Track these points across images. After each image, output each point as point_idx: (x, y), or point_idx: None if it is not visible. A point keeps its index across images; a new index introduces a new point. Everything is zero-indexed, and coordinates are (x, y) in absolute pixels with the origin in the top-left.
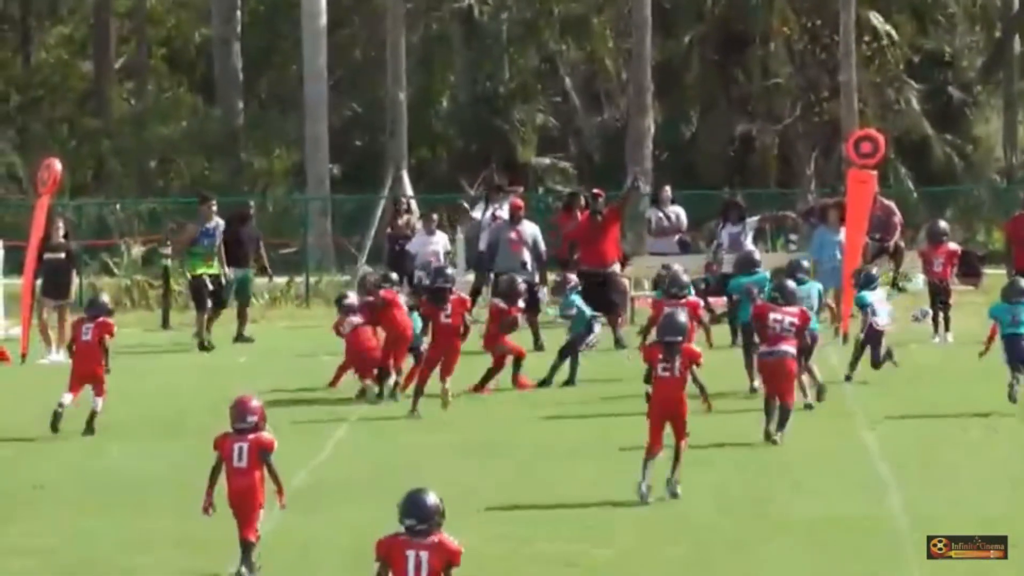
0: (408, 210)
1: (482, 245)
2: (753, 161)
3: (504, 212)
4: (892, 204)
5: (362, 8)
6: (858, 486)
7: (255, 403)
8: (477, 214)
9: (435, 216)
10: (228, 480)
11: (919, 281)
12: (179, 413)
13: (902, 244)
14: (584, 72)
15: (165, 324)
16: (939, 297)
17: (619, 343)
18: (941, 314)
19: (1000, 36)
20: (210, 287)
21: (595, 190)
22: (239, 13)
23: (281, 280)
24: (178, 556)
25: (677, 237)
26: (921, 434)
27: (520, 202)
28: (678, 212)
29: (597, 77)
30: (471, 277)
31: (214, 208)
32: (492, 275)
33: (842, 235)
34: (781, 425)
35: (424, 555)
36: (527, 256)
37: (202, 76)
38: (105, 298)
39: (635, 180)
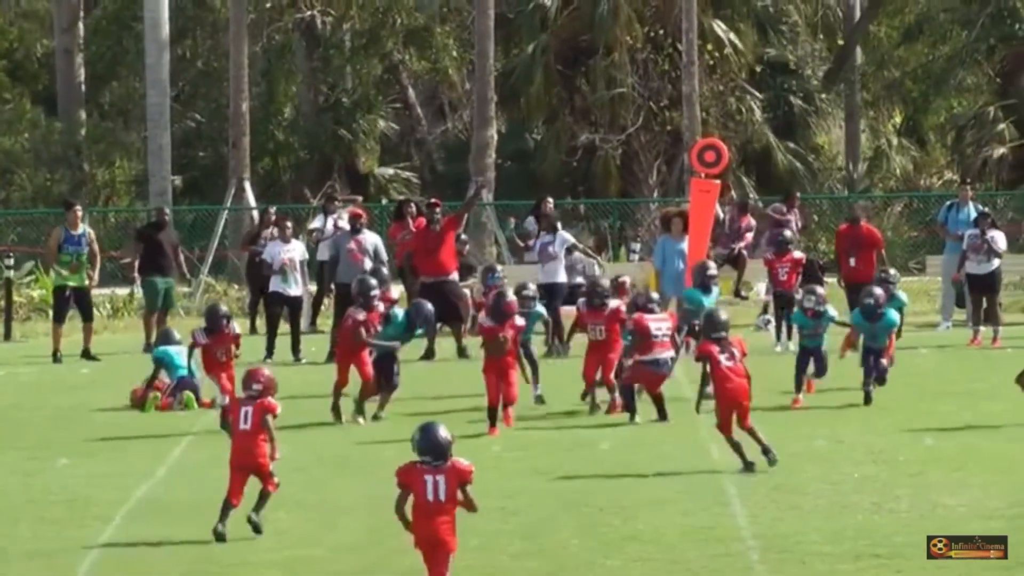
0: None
1: (323, 255)
2: (597, 170)
3: (344, 222)
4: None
5: (205, 19)
6: (704, 498)
7: (265, 373)
8: (316, 223)
9: (289, 224)
10: (232, 441)
11: (761, 289)
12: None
13: (745, 253)
14: (427, 82)
15: (7, 336)
16: (783, 306)
17: (463, 353)
18: (784, 322)
19: (841, 45)
20: (72, 299)
21: (432, 200)
22: (81, 24)
23: (123, 291)
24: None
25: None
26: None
27: (360, 211)
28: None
29: (440, 87)
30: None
31: (79, 214)
32: (333, 286)
33: (685, 244)
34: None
35: (440, 478)
36: (368, 266)
37: (44, 88)
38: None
39: (477, 190)
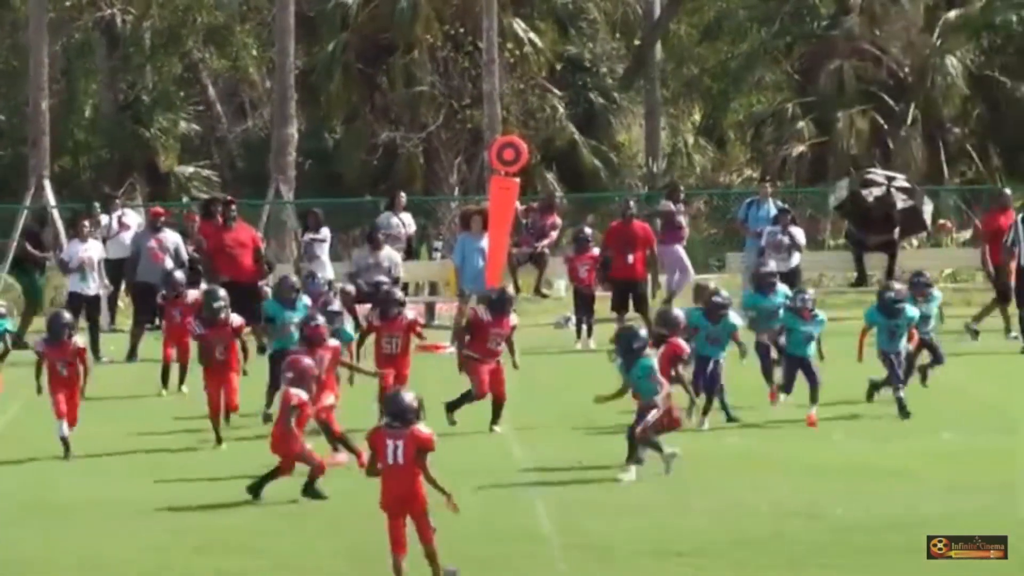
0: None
1: (113, 254)
2: (398, 168)
3: (130, 219)
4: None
5: (4, 17)
6: (506, 497)
7: (305, 362)
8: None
9: (87, 223)
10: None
11: (561, 287)
12: None
13: (547, 251)
14: (227, 81)
15: None
16: (584, 303)
17: (263, 349)
18: (585, 320)
19: (640, 44)
20: None
21: (228, 197)
22: None
23: None
24: None
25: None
26: (570, 444)
27: (160, 210)
28: (407, 219)
29: (240, 86)
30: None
31: None
32: (132, 284)
33: (485, 241)
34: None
35: (400, 443)
36: (169, 265)
37: None
38: None
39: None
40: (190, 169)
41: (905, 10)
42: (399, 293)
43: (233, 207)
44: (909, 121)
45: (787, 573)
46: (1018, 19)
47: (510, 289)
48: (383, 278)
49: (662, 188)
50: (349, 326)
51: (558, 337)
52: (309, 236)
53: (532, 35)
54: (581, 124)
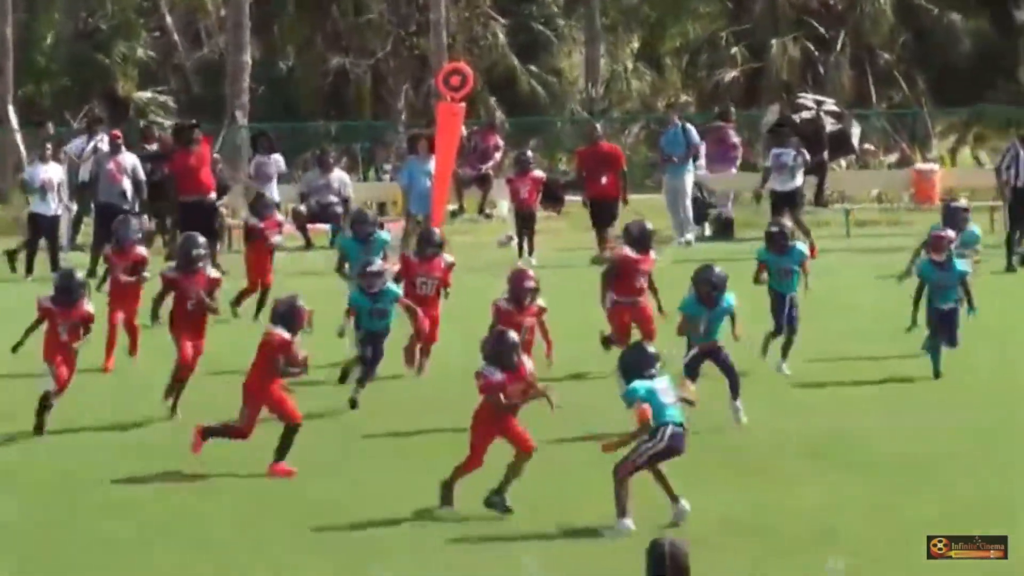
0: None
1: (84, 176)
2: (348, 94)
3: (104, 144)
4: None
5: None
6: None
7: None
8: (73, 146)
9: (49, 145)
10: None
11: (503, 207)
12: None
13: (491, 173)
14: (184, 9)
15: None
16: (525, 223)
17: (216, 267)
18: (526, 239)
19: None
20: None
21: (193, 121)
22: None
23: None
24: None
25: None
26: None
27: (118, 132)
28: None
29: (197, 14)
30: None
31: None
32: (93, 205)
33: (431, 164)
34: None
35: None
36: (127, 185)
37: None
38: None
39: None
40: (148, 95)
41: None
42: (438, 234)
43: (196, 129)
44: (839, 48)
45: None
46: None
47: (438, 233)
48: (333, 198)
49: (600, 112)
50: (392, 284)
51: (502, 255)
52: (260, 158)
53: None
54: (523, 51)
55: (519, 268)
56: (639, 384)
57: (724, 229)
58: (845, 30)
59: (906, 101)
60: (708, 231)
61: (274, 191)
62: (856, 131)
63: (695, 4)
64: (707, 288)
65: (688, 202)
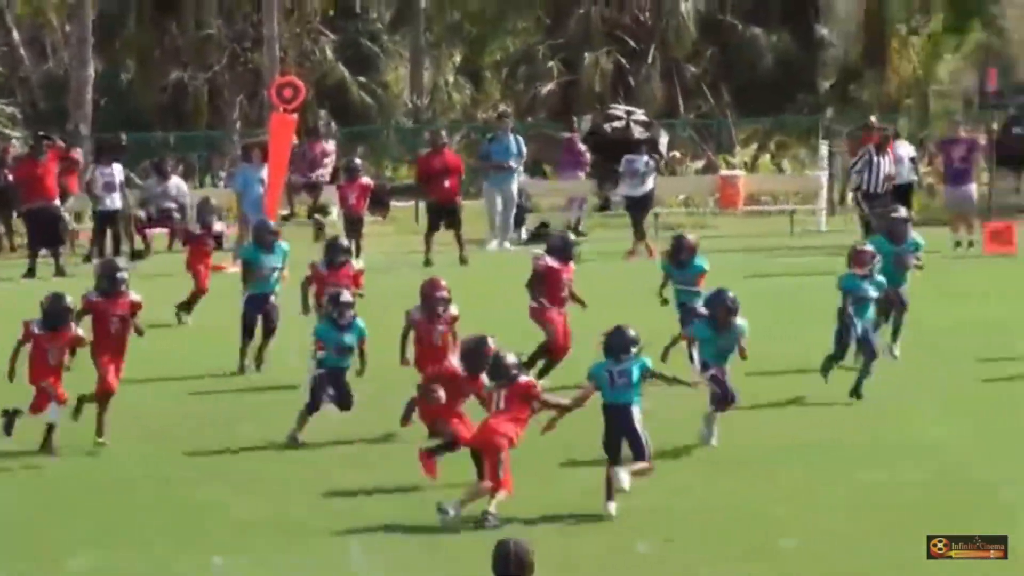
0: None
1: None
2: (186, 106)
3: None
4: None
5: None
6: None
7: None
8: None
9: None
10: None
11: (335, 213)
12: None
13: (321, 179)
14: (30, 24)
15: None
16: (353, 227)
17: (60, 271)
18: (354, 242)
19: None
20: None
21: (41, 133)
22: None
23: None
24: None
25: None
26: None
27: None
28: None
29: (43, 29)
30: None
31: None
32: None
33: (264, 171)
34: None
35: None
36: None
37: None
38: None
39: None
40: None
41: None
42: (346, 242)
43: (45, 141)
44: (649, 61)
45: None
46: None
47: (344, 241)
48: (171, 204)
49: (426, 122)
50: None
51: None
52: (101, 168)
53: None
54: (352, 65)
55: (432, 278)
56: (599, 364)
57: (542, 234)
58: (654, 44)
59: (712, 111)
60: (525, 236)
61: (116, 200)
62: (664, 139)
63: (513, 20)
64: (723, 312)
65: (513, 208)
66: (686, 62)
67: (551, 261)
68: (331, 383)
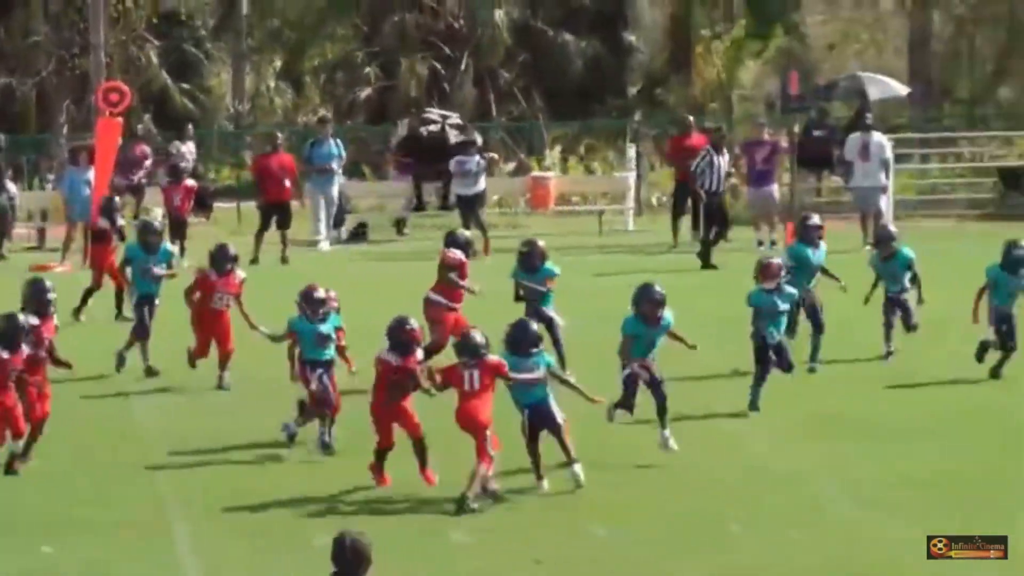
0: None
1: None
2: (14, 110)
3: None
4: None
5: None
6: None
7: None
8: None
9: None
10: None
11: (159, 214)
12: None
13: (144, 181)
14: None
15: None
16: (177, 229)
17: None
18: (179, 244)
19: None
20: None
21: None
22: None
23: None
24: None
25: None
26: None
27: None
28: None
29: None
30: None
31: None
32: None
33: (91, 173)
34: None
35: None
36: None
37: None
38: None
39: None
40: None
41: None
42: (233, 249)
43: None
44: (463, 67)
45: None
46: None
47: (231, 249)
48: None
49: (248, 126)
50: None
51: None
52: None
53: None
54: (176, 71)
55: (311, 285)
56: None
57: (360, 233)
58: (468, 51)
59: (524, 115)
60: (344, 235)
61: None
62: (478, 142)
63: (332, 27)
64: (650, 307)
65: (334, 209)
66: (499, 67)
67: (456, 254)
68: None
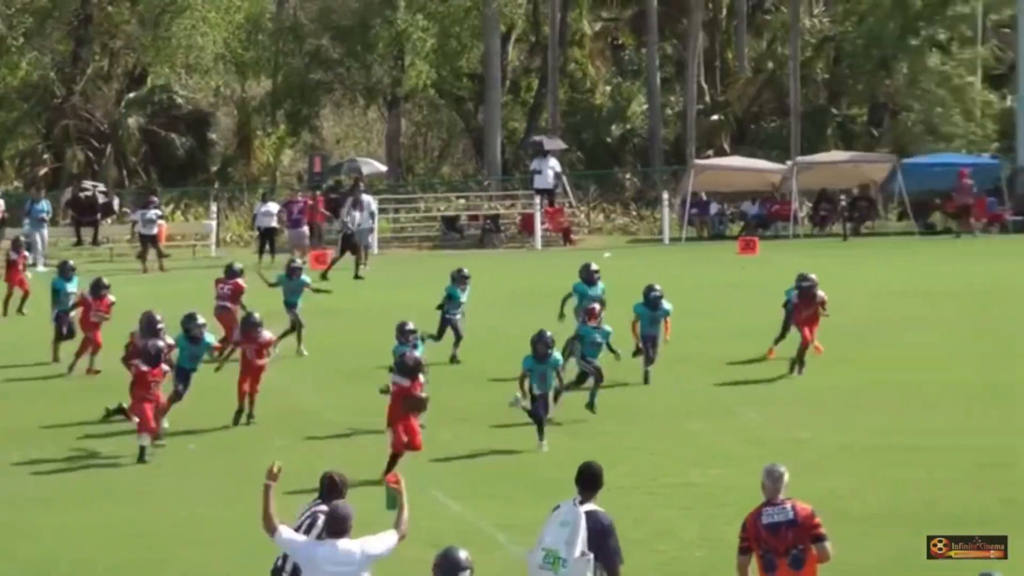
0: None
1: None
2: None
3: None
4: None
5: None
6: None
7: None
8: None
9: None
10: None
11: None
12: None
13: None
14: None
15: None
16: None
17: None
18: None
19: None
20: None
21: None
22: None
23: None
24: None
25: None
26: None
27: None
28: None
29: None
30: None
31: None
32: None
33: None
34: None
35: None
36: None
37: None
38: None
39: None
40: None
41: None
42: (104, 279)
43: None
44: (107, 154)
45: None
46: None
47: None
48: None
49: None
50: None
51: None
52: None
53: None
54: None
55: (252, 318)
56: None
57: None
58: (110, 144)
59: (146, 184)
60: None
61: None
62: (116, 201)
63: (22, 129)
64: (542, 347)
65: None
66: (130, 154)
67: (87, 293)
68: (182, 381)
